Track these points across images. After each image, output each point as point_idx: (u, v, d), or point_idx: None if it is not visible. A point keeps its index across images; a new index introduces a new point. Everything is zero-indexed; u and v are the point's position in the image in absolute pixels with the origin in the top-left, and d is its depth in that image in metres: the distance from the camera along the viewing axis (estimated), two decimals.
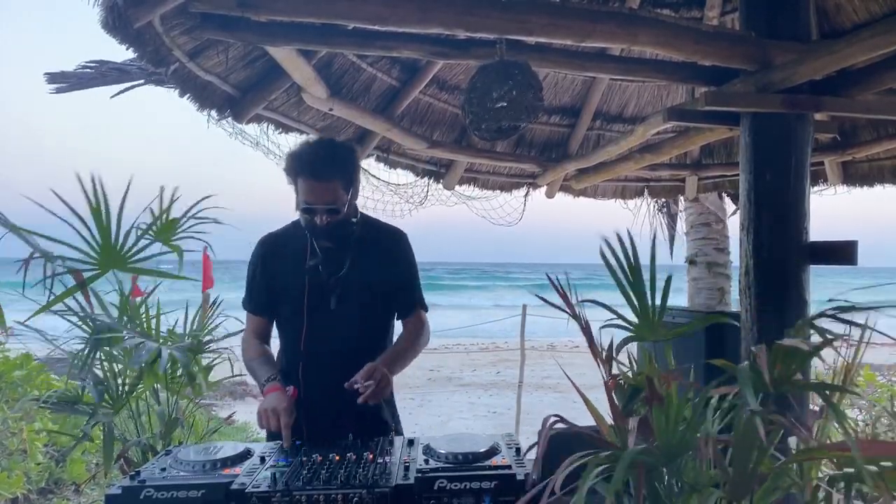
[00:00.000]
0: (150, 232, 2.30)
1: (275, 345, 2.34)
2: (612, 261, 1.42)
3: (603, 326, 1.45)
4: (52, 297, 2.15)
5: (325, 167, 2.05)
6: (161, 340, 2.45)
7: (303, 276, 2.15)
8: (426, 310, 2.32)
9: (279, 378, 2.08)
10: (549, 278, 1.44)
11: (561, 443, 1.66)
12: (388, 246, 2.27)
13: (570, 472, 1.17)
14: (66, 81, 3.26)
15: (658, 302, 1.43)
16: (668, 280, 1.46)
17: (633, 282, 1.41)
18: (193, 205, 2.37)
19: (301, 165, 2.07)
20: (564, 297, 1.40)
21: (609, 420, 1.33)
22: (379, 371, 1.88)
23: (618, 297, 1.50)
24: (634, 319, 1.45)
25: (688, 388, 1.32)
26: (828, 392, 1.30)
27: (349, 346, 2.14)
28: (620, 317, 1.44)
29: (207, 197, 2.39)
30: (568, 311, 1.41)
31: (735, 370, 1.21)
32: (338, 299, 2.14)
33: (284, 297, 2.21)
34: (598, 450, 1.20)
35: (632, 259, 1.41)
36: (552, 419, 1.26)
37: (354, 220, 2.21)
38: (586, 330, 1.40)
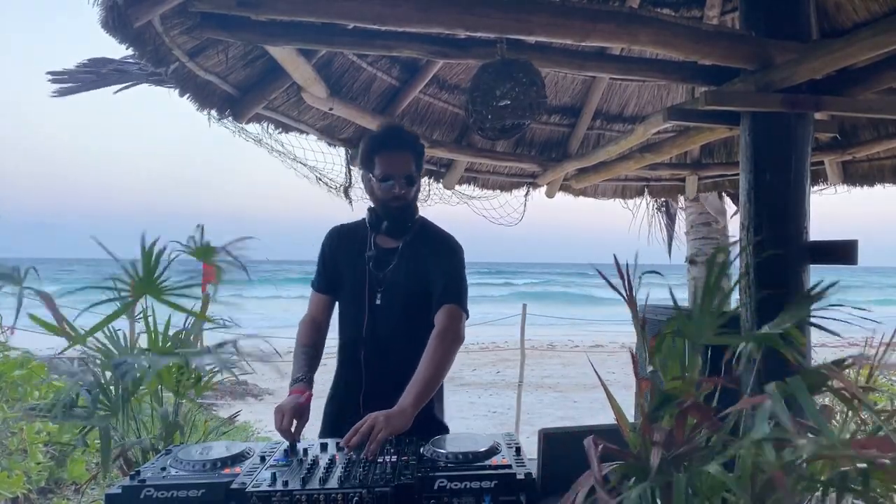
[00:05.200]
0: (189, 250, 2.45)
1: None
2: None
3: (662, 317, 1.41)
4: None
5: (400, 139, 2.29)
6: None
7: (364, 268, 2.27)
8: (465, 311, 2.25)
9: (306, 380, 2.16)
10: (617, 263, 1.40)
11: (559, 443, 1.66)
12: (437, 249, 2.32)
13: (564, 472, 1.16)
14: (68, 81, 3.27)
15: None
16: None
17: (712, 281, 1.37)
18: (232, 241, 2.57)
19: (381, 141, 2.28)
20: (627, 279, 1.36)
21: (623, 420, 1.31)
22: (368, 425, 1.82)
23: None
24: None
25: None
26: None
27: (399, 338, 2.24)
28: (679, 309, 1.40)
29: (248, 238, 2.59)
30: (625, 296, 1.37)
31: (789, 388, 1.18)
32: (383, 295, 2.25)
33: (346, 286, 2.32)
34: (622, 459, 1.18)
35: (725, 258, 1.38)
36: (593, 440, 1.21)
37: (415, 217, 2.33)
38: (642, 321, 1.37)
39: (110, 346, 2.41)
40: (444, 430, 2.27)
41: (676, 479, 1.09)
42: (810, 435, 1.09)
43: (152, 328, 2.48)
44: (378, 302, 2.25)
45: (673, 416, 1.22)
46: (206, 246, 2.54)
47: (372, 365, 2.23)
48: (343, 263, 2.34)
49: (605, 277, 1.41)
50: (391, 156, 2.24)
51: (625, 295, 1.36)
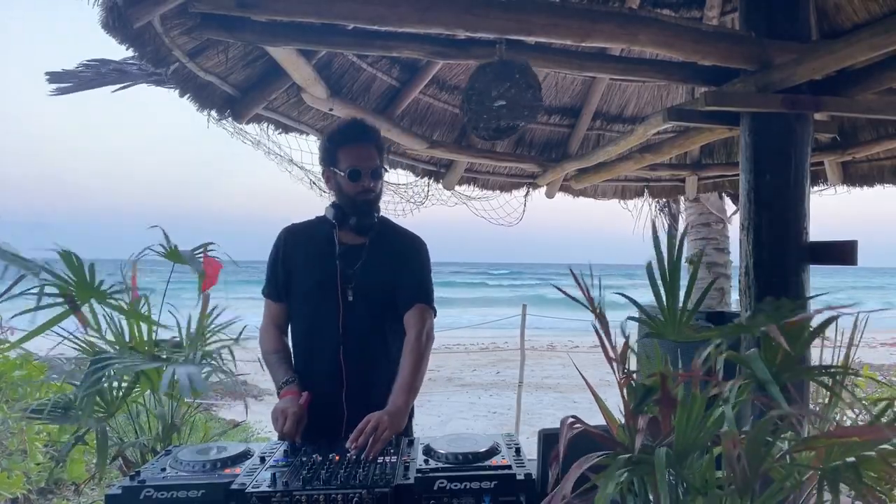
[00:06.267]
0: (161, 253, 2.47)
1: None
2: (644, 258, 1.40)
3: (628, 319, 1.44)
4: (41, 314, 2.19)
5: (365, 132, 2.27)
6: (157, 350, 2.44)
7: (333, 265, 2.22)
8: (434, 310, 2.29)
9: (296, 381, 2.14)
10: (573, 273, 1.42)
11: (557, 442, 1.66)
12: (403, 248, 2.32)
13: (564, 472, 1.16)
14: (67, 81, 3.26)
15: (690, 305, 1.42)
16: (709, 286, 1.44)
17: (668, 281, 1.40)
18: (199, 246, 2.60)
19: (344, 134, 2.26)
20: (586, 292, 1.38)
21: (617, 418, 1.32)
22: (372, 425, 1.83)
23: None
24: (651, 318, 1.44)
25: (695, 386, 1.30)
26: (830, 381, 1.29)
27: (373, 335, 2.23)
28: (646, 313, 1.42)
29: (210, 243, 2.62)
30: (588, 305, 1.39)
31: (744, 359, 1.20)
32: (353, 292, 2.21)
33: (309, 285, 2.26)
34: (610, 450, 1.19)
35: (675, 257, 1.40)
36: (570, 420, 1.24)
37: (377, 214, 2.30)
38: (604, 326, 1.39)
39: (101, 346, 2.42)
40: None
41: (657, 453, 1.10)
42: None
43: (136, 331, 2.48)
44: (350, 298, 2.21)
45: (655, 408, 1.23)
46: (175, 249, 2.54)
47: (350, 363, 2.20)
48: (301, 264, 2.28)
49: (561, 290, 1.43)
50: (356, 149, 2.21)
51: (586, 304, 1.38)
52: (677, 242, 1.40)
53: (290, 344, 2.32)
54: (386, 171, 2.36)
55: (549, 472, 1.23)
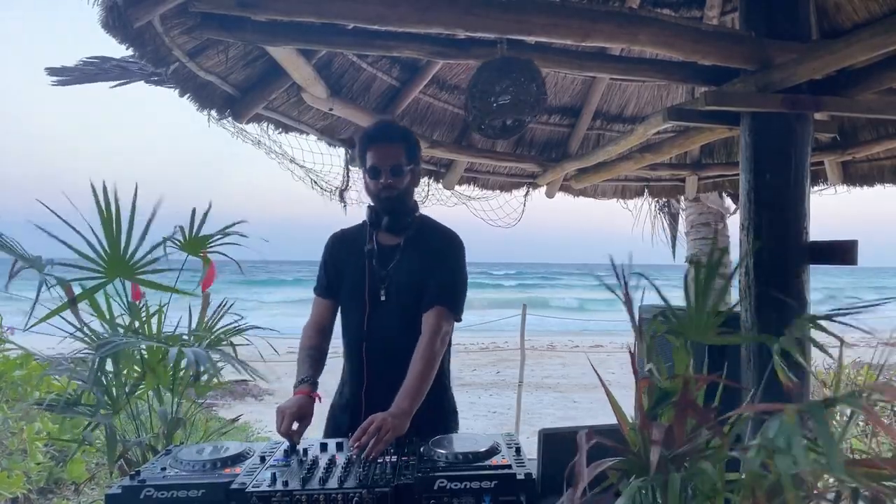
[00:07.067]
0: (178, 243, 2.47)
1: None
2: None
3: (655, 316, 1.43)
4: (43, 306, 2.21)
5: (387, 131, 2.33)
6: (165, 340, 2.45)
7: (364, 265, 2.27)
8: (457, 315, 2.26)
9: (310, 382, 2.16)
10: (613, 263, 1.41)
11: (559, 443, 1.66)
12: (439, 246, 2.32)
13: (564, 472, 1.15)
14: (67, 75, 3.27)
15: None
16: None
17: (705, 281, 1.37)
18: (226, 227, 2.67)
19: (370, 135, 2.30)
20: (625, 286, 1.37)
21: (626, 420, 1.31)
22: (375, 426, 1.83)
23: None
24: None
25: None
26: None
27: (403, 335, 2.22)
28: (672, 311, 1.41)
29: (238, 223, 2.70)
30: (623, 299, 1.38)
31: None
32: (386, 292, 2.25)
33: (347, 284, 2.32)
34: (622, 456, 1.18)
35: (716, 258, 1.38)
36: (586, 432, 1.22)
37: (415, 213, 2.34)
38: (638, 324, 1.37)
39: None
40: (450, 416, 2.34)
41: (671, 477, 1.09)
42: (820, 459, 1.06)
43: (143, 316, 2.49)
44: (383, 298, 2.24)
45: (670, 413, 1.21)
46: (197, 237, 2.55)
47: (373, 360, 2.23)
48: (344, 265, 2.34)
49: (616, 272, 1.40)
50: (379, 148, 2.25)
51: (622, 297, 1.36)
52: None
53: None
54: (413, 182, 2.34)
55: (565, 482, 1.21)
